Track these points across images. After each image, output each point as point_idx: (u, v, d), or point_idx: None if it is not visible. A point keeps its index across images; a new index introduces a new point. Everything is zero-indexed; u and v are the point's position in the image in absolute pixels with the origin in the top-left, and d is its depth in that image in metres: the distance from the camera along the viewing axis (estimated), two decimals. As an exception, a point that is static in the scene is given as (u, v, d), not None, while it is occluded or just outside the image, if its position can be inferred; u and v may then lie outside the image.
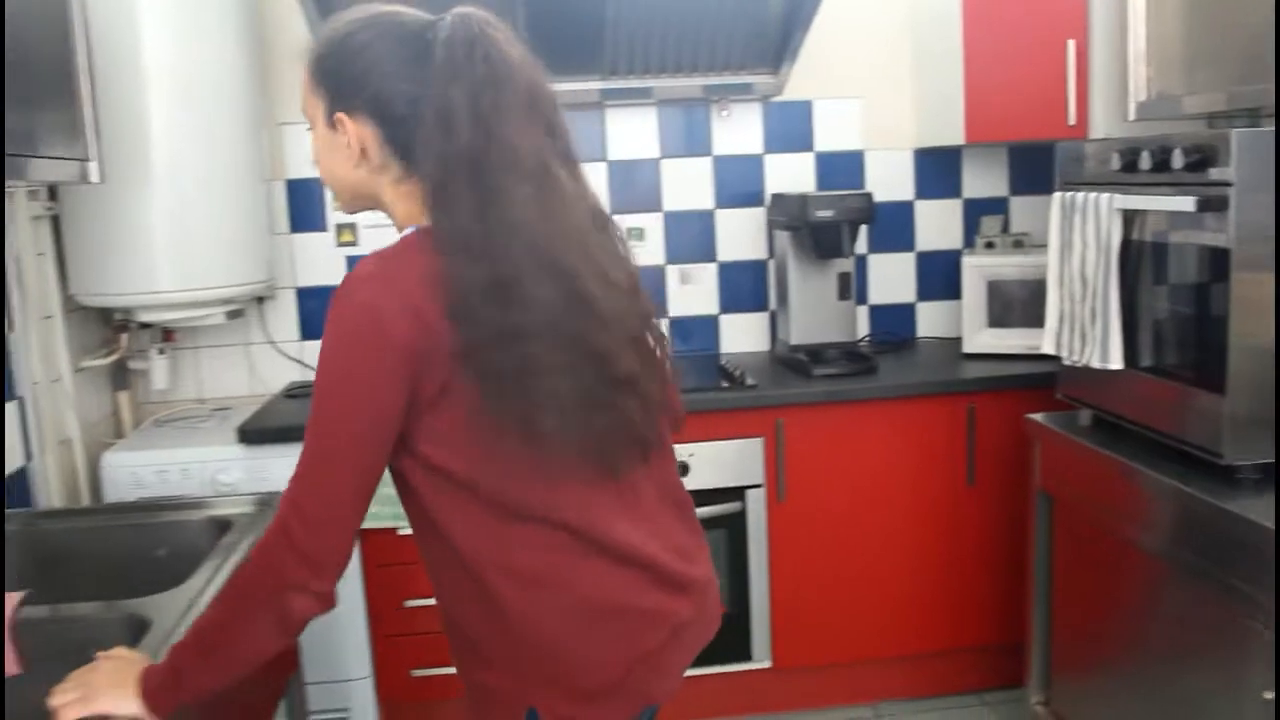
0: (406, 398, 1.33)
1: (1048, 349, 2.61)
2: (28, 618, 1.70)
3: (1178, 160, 2.14)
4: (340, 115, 1.43)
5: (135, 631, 1.66)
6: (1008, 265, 3.27)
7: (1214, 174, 2.08)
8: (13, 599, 1.71)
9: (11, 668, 1.67)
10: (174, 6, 2.76)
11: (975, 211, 3.64)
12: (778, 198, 3.37)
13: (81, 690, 1.42)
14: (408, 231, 1.40)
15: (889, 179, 3.58)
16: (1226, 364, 2.10)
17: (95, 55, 2.26)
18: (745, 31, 3.18)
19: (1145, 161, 2.26)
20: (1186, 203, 2.11)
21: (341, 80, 1.43)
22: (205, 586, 1.80)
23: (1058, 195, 2.54)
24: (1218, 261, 2.12)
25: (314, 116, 1.48)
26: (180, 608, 1.71)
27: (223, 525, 2.16)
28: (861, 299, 3.60)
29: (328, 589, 1.36)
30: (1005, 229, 3.60)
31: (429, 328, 1.30)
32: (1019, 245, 3.50)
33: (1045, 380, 2.95)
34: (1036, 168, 3.65)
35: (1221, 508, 2.03)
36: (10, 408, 2.60)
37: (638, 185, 3.51)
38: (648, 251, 3.54)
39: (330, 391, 1.33)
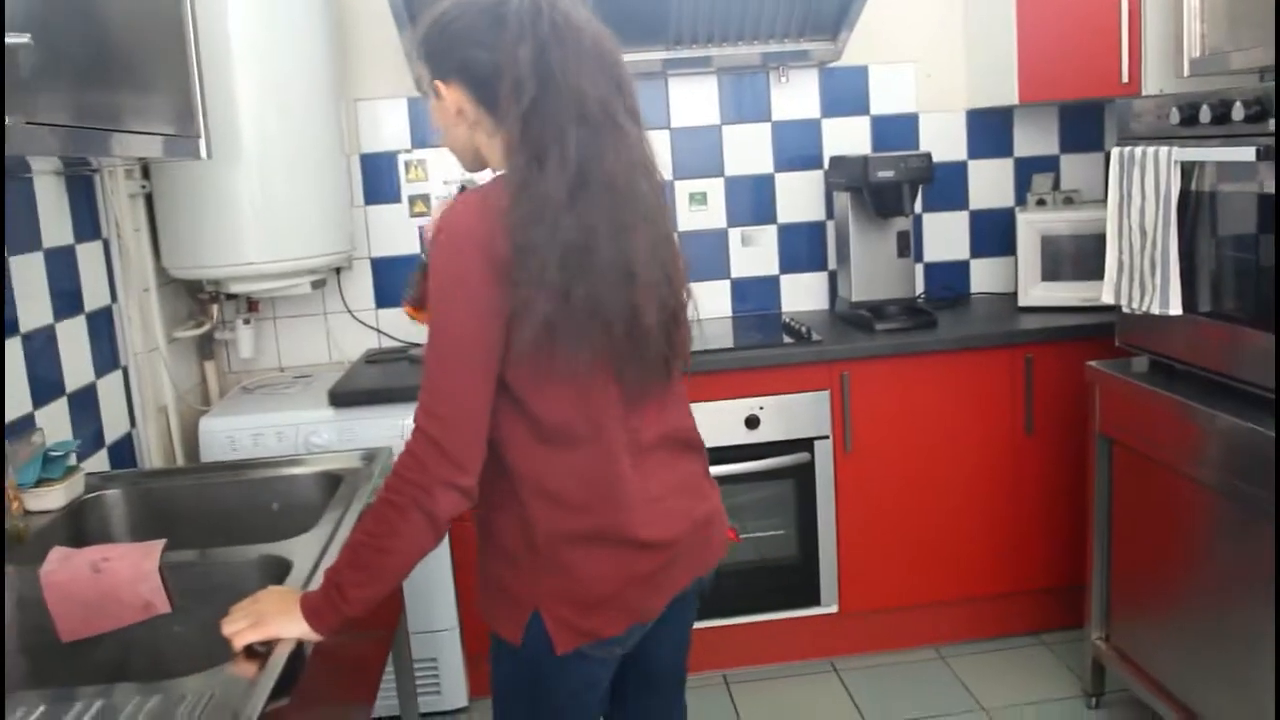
0: (507, 301, 1.50)
1: (1107, 299, 2.71)
2: (171, 561, 1.84)
3: (1238, 112, 2.23)
4: (437, 83, 1.65)
5: (276, 572, 1.80)
6: (1060, 221, 3.36)
7: (1273, 125, 2.17)
8: (157, 546, 1.86)
9: (162, 606, 1.82)
10: (258, -13, 2.88)
11: (1026, 170, 3.73)
12: (837, 160, 3.47)
13: (251, 618, 1.56)
14: (499, 174, 1.60)
15: (943, 140, 3.68)
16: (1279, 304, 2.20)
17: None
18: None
19: (1205, 115, 2.34)
20: (1246, 153, 2.20)
21: (436, 53, 1.65)
22: (335, 530, 1.93)
23: (1116, 150, 2.63)
24: (1275, 208, 2.20)
25: (425, 90, 1.69)
26: (315, 550, 1.85)
27: (333, 479, 2.30)
28: (918, 256, 3.70)
29: (470, 483, 1.55)
30: (1056, 186, 3.69)
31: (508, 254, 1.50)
32: (1069, 202, 3.58)
33: (1098, 330, 3.06)
34: (1085, 126, 3.74)
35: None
36: (115, 377, 2.76)
37: (700, 151, 3.62)
38: (710, 215, 3.65)
39: (442, 298, 1.52)
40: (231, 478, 2.37)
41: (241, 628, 1.55)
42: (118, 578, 1.80)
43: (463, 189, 1.78)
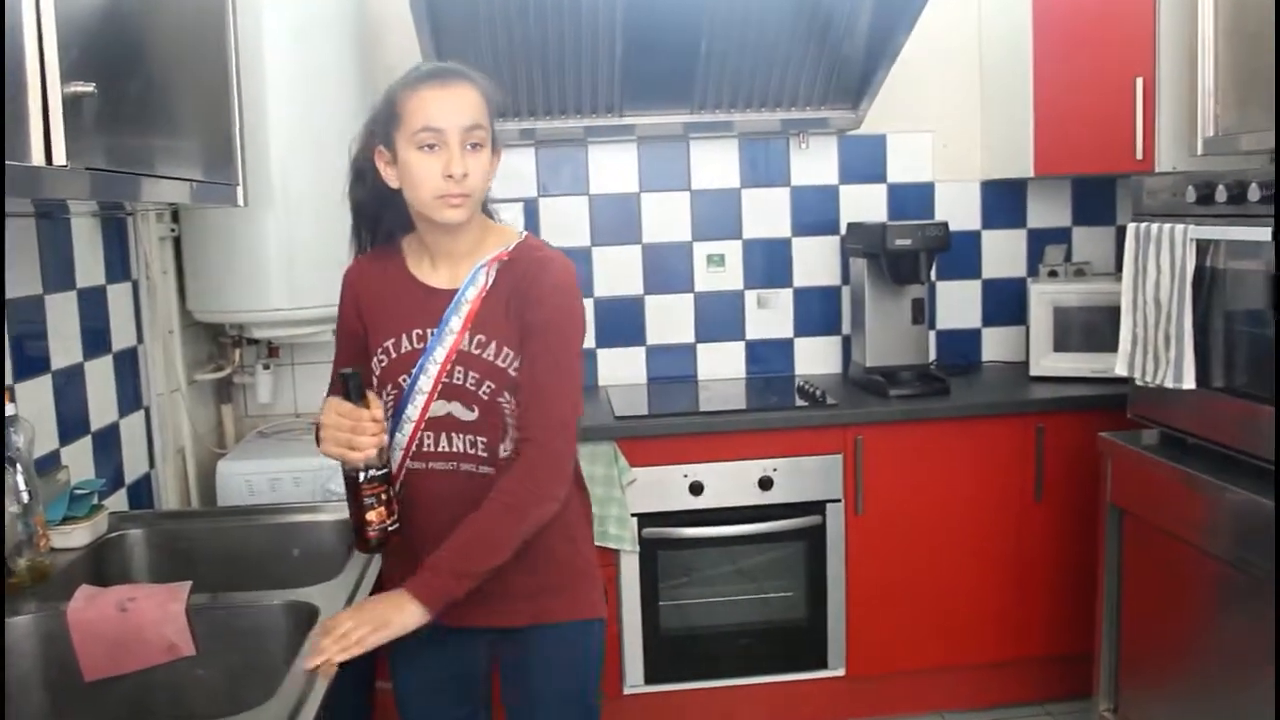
0: None
1: (1121, 371, 2.75)
2: (196, 604, 1.86)
3: (1254, 194, 2.28)
4: (499, 150, 1.86)
5: (301, 618, 1.81)
6: (1072, 292, 3.41)
7: (1288, 205, 2.22)
8: (183, 588, 1.88)
9: (187, 648, 1.83)
10: (294, 36, 2.93)
11: (1039, 241, 3.78)
12: (854, 227, 3.52)
13: (371, 623, 1.66)
14: (525, 233, 1.93)
15: (957, 209, 3.74)
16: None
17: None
18: (829, 68, 3.34)
19: (1221, 195, 2.39)
20: (1262, 234, 2.25)
21: (494, 112, 1.84)
22: (360, 580, 1.95)
23: (1132, 225, 2.68)
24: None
25: (486, 142, 1.81)
26: (341, 598, 1.86)
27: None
28: (931, 324, 3.74)
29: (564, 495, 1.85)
30: (1068, 258, 3.74)
31: None
32: (1080, 274, 3.63)
33: (1109, 401, 3.09)
34: (1098, 200, 3.80)
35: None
36: (137, 417, 2.78)
37: (719, 213, 3.68)
38: (727, 277, 3.70)
39: (577, 337, 1.85)
40: (250, 522, 2.39)
41: (365, 631, 1.64)
42: (144, 618, 1.82)
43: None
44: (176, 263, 3.10)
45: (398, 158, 1.78)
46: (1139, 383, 2.71)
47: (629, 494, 3.08)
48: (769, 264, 3.72)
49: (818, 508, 3.17)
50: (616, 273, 3.67)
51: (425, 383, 1.82)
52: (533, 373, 1.80)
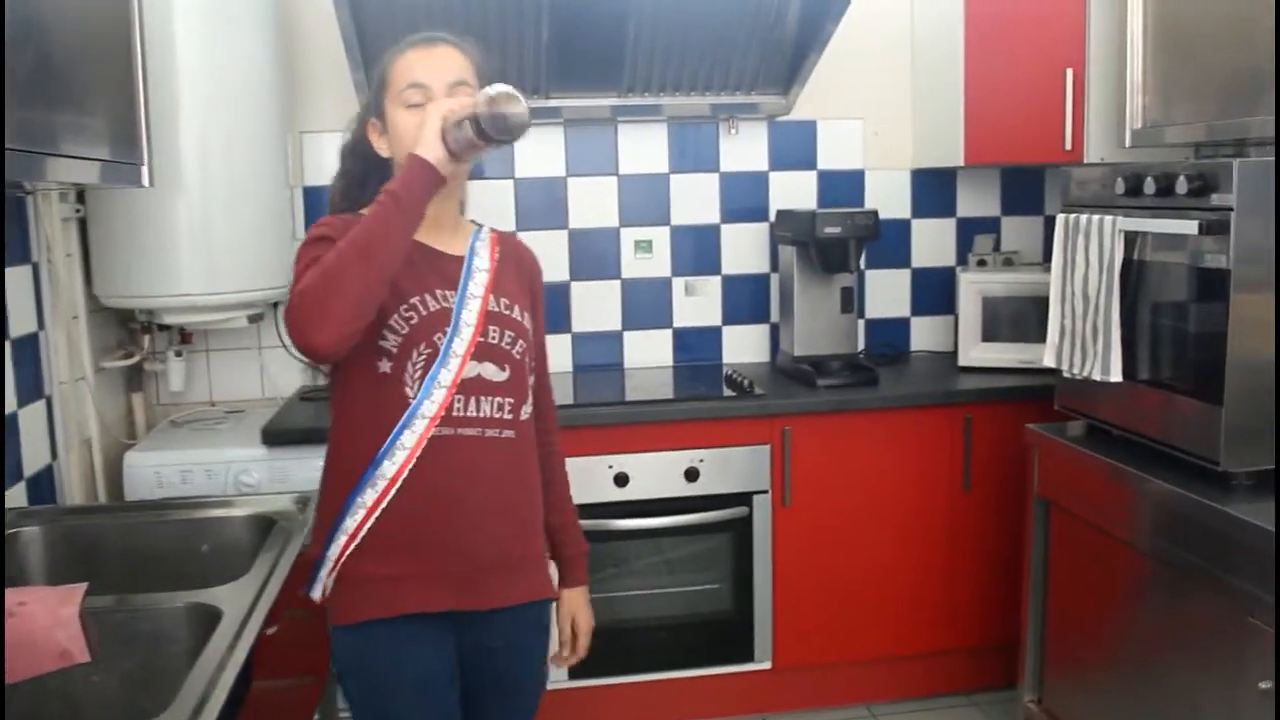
0: None
1: (1049, 362, 2.74)
2: (92, 607, 1.76)
3: (1181, 186, 2.28)
4: None
5: (204, 622, 1.73)
6: (1002, 282, 3.41)
7: (1215, 199, 2.22)
8: (77, 590, 1.78)
9: (81, 655, 1.74)
10: (206, 14, 2.83)
11: (968, 230, 3.78)
12: (784, 214, 3.48)
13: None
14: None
15: (887, 197, 3.71)
16: (1224, 378, 2.23)
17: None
18: (759, 53, 3.30)
19: (1149, 187, 2.39)
20: (1189, 226, 2.24)
21: None
22: (268, 578, 1.87)
23: (1061, 217, 2.67)
24: (1216, 282, 2.25)
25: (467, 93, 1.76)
26: (247, 599, 1.78)
27: (265, 522, 2.22)
28: (860, 313, 3.72)
29: None
30: (996, 247, 3.74)
31: None
32: (1009, 263, 3.64)
33: (1037, 393, 3.10)
34: (1026, 190, 3.80)
35: (1223, 511, 2.16)
36: (38, 407, 2.66)
37: (647, 199, 3.62)
38: (654, 264, 3.65)
39: None
40: (158, 517, 2.30)
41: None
42: (33, 623, 1.71)
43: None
44: (83, 245, 2.97)
45: (387, 124, 1.78)
46: (1066, 375, 2.70)
47: (553, 485, 3.01)
48: (697, 251, 3.68)
49: (744, 499, 3.13)
50: (542, 258, 3.48)
51: (459, 345, 1.75)
52: (540, 341, 1.94)
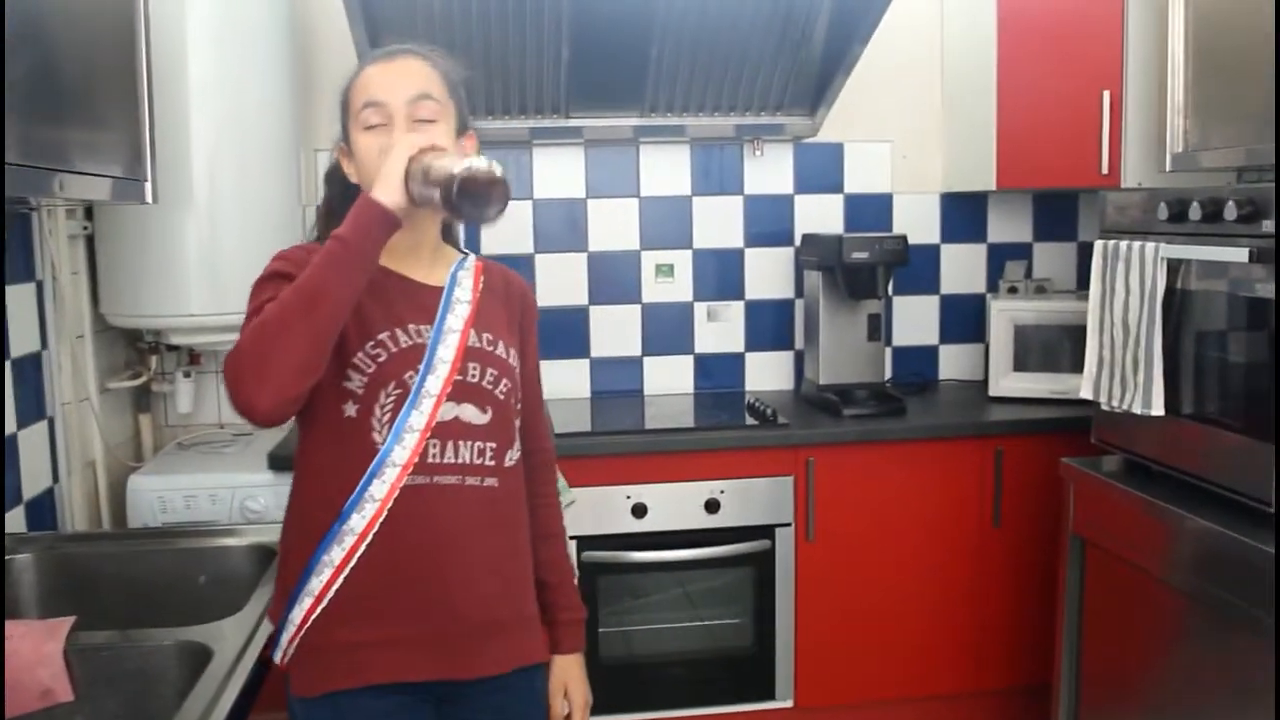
0: None
1: (1086, 394, 2.63)
2: (79, 644, 1.67)
3: (1230, 212, 2.17)
4: (470, 132, 1.71)
5: (194, 662, 1.64)
6: (1034, 310, 3.30)
7: (1266, 226, 2.11)
8: (64, 624, 1.69)
9: (64, 694, 1.65)
10: (220, 30, 2.77)
11: (999, 256, 3.67)
12: (809, 238, 3.39)
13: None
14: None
15: (916, 222, 3.62)
16: (1276, 413, 2.11)
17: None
18: (785, 73, 3.21)
19: (1195, 212, 2.28)
20: (1239, 254, 2.14)
21: (464, 102, 1.69)
22: (265, 613, 1.78)
23: (1100, 243, 2.57)
24: (1266, 312, 2.13)
25: (441, 120, 1.64)
26: (241, 637, 1.69)
27: (268, 552, 2.13)
28: (886, 340, 3.62)
29: None
30: (1028, 274, 3.63)
31: None
32: (1041, 291, 3.53)
33: (1071, 425, 2.98)
34: (1059, 215, 3.70)
35: (1273, 553, 2.04)
36: (39, 427, 2.59)
37: (669, 222, 3.53)
38: (676, 288, 3.56)
39: None
40: (156, 546, 2.21)
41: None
42: (16, 659, 1.62)
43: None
44: (90, 263, 2.90)
45: (352, 148, 1.64)
46: (1105, 408, 2.59)
47: (569, 516, 2.91)
48: (720, 275, 3.58)
49: (767, 532, 3.03)
50: (561, 282, 3.50)
51: (434, 384, 1.57)
52: (532, 379, 1.80)
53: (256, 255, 2.85)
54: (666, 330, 3.58)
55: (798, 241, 3.56)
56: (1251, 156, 2.54)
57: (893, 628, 3.12)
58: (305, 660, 1.58)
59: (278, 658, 1.62)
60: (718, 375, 3.62)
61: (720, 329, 3.60)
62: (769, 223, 3.58)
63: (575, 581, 1.88)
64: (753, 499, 3.01)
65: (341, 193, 1.70)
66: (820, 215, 3.59)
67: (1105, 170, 3.11)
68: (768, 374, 3.64)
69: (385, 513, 1.55)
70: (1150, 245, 2.38)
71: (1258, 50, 2.48)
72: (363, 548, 1.55)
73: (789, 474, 3.02)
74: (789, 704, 3.11)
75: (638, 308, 3.55)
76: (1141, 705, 2.51)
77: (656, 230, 3.53)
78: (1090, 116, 3.12)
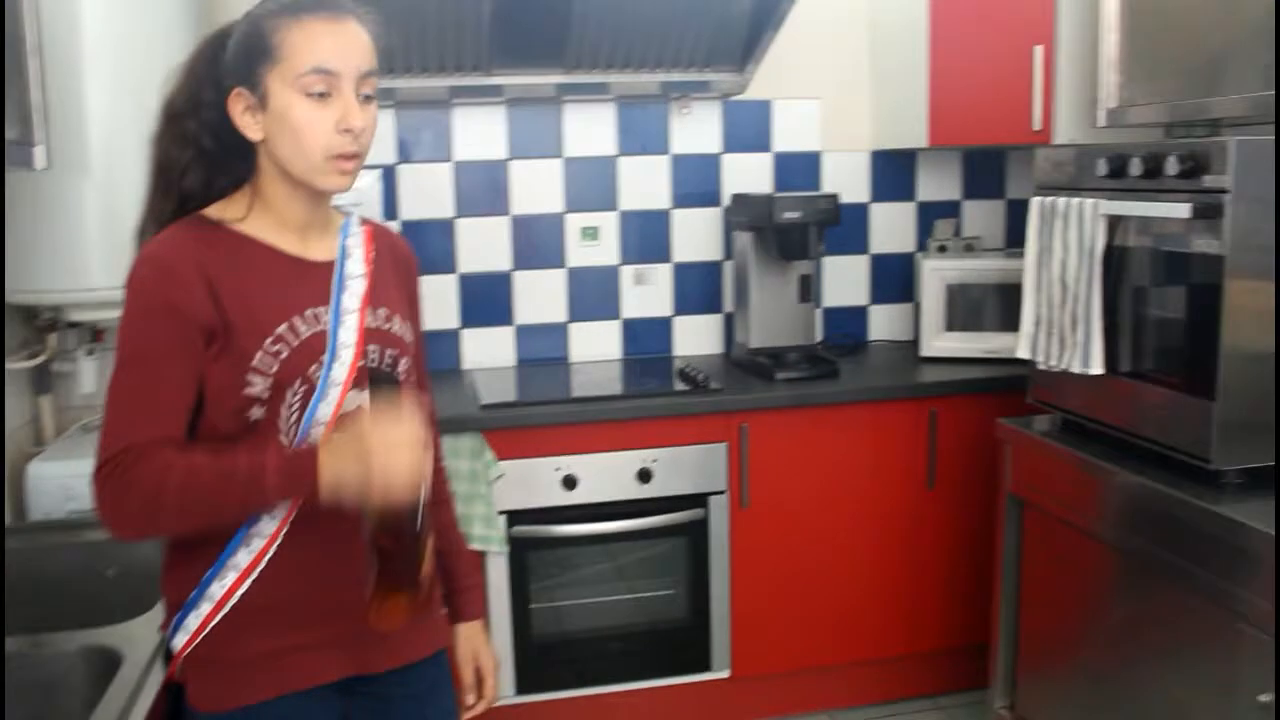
0: None
1: (1023, 353, 2.60)
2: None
3: (1172, 167, 2.13)
4: None
5: (105, 667, 1.52)
6: (965, 269, 3.26)
7: (1208, 181, 2.07)
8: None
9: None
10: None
11: (928, 215, 3.63)
12: (739, 198, 3.31)
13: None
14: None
15: (845, 181, 3.56)
16: (1217, 370, 2.10)
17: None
18: (713, 28, 3.12)
19: (1135, 168, 2.24)
20: (1181, 209, 2.10)
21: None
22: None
23: (1036, 200, 2.52)
24: (1209, 268, 2.11)
25: (375, 95, 1.51)
26: (153, 638, 1.58)
27: (180, 540, 2.02)
28: (816, 301, 3.56)
29: None
30: (957, 233, 3.60)
31: None
32: (970, 249, 3.51)
33: (1005, 384, 2.97)
34: (988, 172, 3.66)
35: (1215, 511, 2.03)
36: (-71, 413, 2.42)
37: (594, 183, 3.42)
38: (602, 251, 3.45)
39: None
40: (59, 539, 2.09)
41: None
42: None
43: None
44: (-22, 235, 2.72)
45: (268, 103, 1.44)
46: (1042, 367, 2.56)
47: (496, 490, 2.83)
48: (647, 237, 3.49)
49: (700, 500, 2.97)
50: (483, 246, 3.38)
51: (340, 371, 1.47)
52: (420, 348, 1.68)
53: (162, 225, 2.71)
54: (592, 295, 3.48)
55: (726, 202, 3.48)
56: (1177, 112, 2.54)
57: (828, 593, 3.08)
58: (211, 672, 1.47)
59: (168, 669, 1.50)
60: (646, 340, 3.54)
61: (648, 292, 3.51)
62: (696, 183, 3.49)
63: (466, 547, 1.82)
64: (686, 467, 2.94)
65: (219, 144, 1.49)
66: (749, 175, 3.51)
67: (1038, 126, 3.07)
68: (697, 338, 3.57)
69: (294, 513, 1.45)
70: (1089, 202, 2.34)
71: (1186, 7, 2.46)
72: (272, 550, 1.45)
73: (722, 440, 2.95)
74: (725, 674, 3.06)
75: (563, 272, 3.44)
76: (1076, 660, 2.51)
77: (581, 192, 3.42)
78: (1022, 73, 3.08)
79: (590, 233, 3.44)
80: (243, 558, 1.44)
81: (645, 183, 3.46)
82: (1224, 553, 2.02)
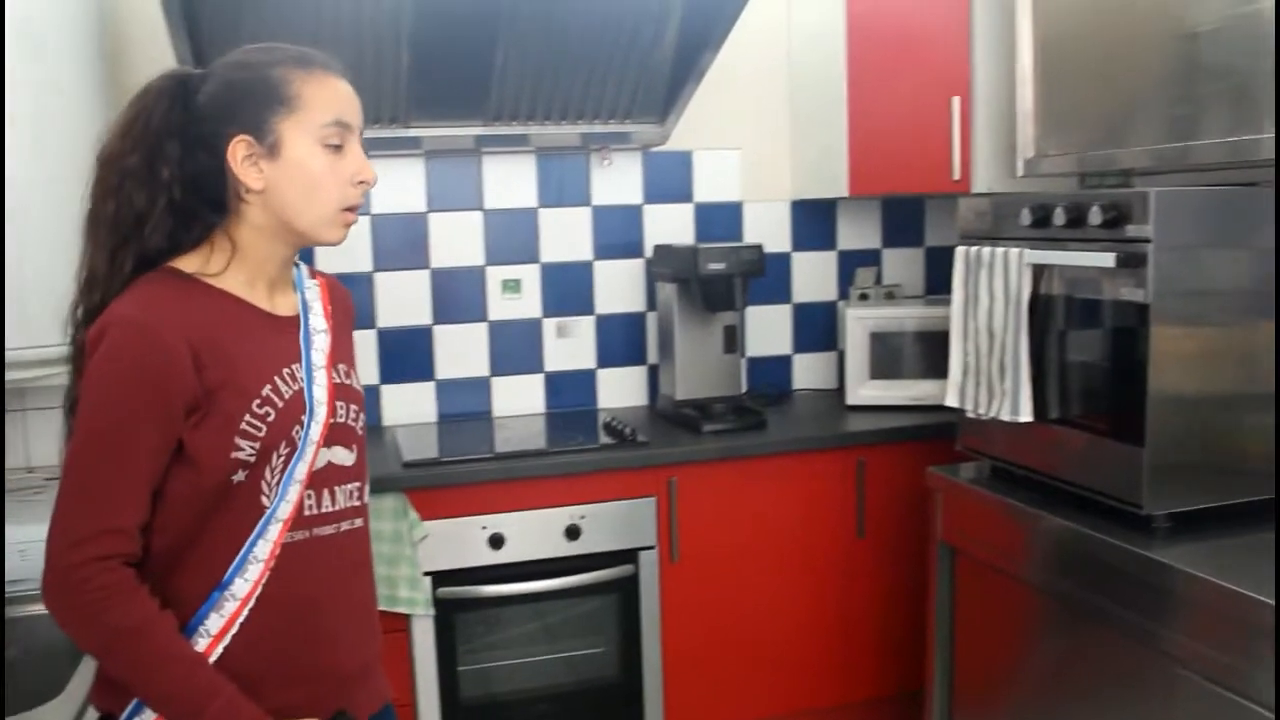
0: None
1: (952, 402, 2.61)
2: None
3: (1095, 217, 2.16)
4: None
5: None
6: (888, 317, 3.28)
7: (1131, 230, 2.11)
8: None
9: None
10: (18, 26, 2.48)
11: (849, 264, 3.66)
12: (662, 249, 3.29)
13: None
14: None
15: (767, 231, 3.57)
16: (1145, 416, 2.11)
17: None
18: (635, 80, 3.12)
19: (1059, 218, 2.27)
20: (1106, 259, 2.13)
21: None
22: (88, 701, 1.56)
23: (961, 249, 2.55)
24: (1133, 316, 2.13)
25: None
26: (64, 721, 1.48)
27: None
28: (741, 352, 3.55)
29: None
30: (878, 280, 3.63)
31: None
32: (891, 297, 3.53)
33: (933, 432, 2.99)
34: (907, 220, 3.70)
35: (1146, 555, 2.04)
36: None
37: (515, 235, 3.39)
38: (523, 304, 3.41)
39: None
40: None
41: None
42: None
43: None
44: None
45: (281, 152, 1.42)
46: (971, 415, 2.57)
47: (421, 550, 2.75)
48: (569, 289, 3.45)
49: (630, 556, 2.91)
50: (402, 301, 3.31)
51: (315, 430, 1.46)
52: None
53: (68, 277, 2.61)
54: (515, 348, 3.43)
55: (648, 253, 3.46)
56: (1088, 163, 2.61)
57: (761, 645, 3.05)
58: None
59: None
60: (569, 394, 3.49)
61: (571, 345, 3.47)
62: (618, 234, 3.47)
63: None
64: (614, 522, 2.89)
65: (189, 197, 1.45)
66: (670, 225, 3.50)
67: (957, 176, 3.11)
68: (621, 390, 3.53)
69: (268, 573, 1.42)
70: (1015, 251, 2.36)
71: (1099, 58, 2.53)
72: (245, 613, 1.41)
73: (651, 495, 2.91)
74: (659, 733, 3.01)
75: (484, 326, 3.39)
76: (1010, 704, 2.52)
77: (502, 244, 3.38)
78: (940, 123, 3.12)
79: (512, 285, 3.39)
80: (214, 623, 1.40)
81: (567, 234, 3.43)
82: (1155, 596, 2.02)
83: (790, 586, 3.05)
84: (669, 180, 3.50)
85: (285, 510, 1.42)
